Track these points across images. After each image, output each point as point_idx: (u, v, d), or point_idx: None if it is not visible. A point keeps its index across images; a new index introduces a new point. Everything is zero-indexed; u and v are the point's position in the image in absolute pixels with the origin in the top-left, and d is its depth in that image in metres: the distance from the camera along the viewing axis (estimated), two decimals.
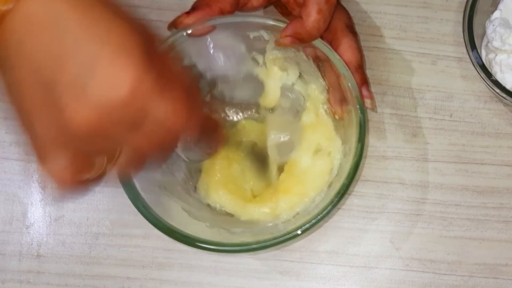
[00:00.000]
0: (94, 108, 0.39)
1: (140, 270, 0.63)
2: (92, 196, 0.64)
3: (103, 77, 0.39)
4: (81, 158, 0.43)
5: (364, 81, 0.58)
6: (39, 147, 0.42)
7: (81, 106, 0.39)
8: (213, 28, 0.57)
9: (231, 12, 0.58)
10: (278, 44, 0.58)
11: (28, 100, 0.40)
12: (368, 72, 0.64)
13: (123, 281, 0.63)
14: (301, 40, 0.57)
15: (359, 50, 0.59)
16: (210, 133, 0.52)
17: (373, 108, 0.59)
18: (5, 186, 0.64)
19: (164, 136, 0.43)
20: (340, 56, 0.58)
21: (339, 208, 0.63)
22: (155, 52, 0.42)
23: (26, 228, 0.64)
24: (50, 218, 0.64)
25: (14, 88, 0.40)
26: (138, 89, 0.39)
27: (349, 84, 0.57)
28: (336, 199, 0.55)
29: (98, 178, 0.45)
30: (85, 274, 0.63)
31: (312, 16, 0.56)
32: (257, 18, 0.58)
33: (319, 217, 0.55)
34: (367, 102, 0.58)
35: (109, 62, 0.39)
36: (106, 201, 0.64)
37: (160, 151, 0.45)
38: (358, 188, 0.64)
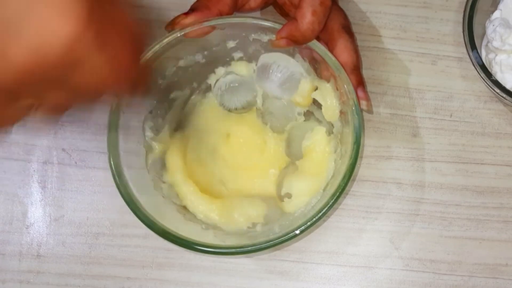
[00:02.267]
0: (29, 51, 0.37)
1: (140, 270, 0.63)
2: (92, 196, 0.64)
3: (43, 21, 0.37)
4: (5, 101, 0.41)
5: (360, 83, 0.58)
6: None
7: (16, 49, 0.37)
8: (211, 29, 0.57)
9: (229, 13, 0.58)
10: (274, 45, 0.58)
11: None
12: (368, 72, 0.65)
13: (123, 281, 0.63)
14: (296, 42, 0.57)
15: (355, 51, 0.59)
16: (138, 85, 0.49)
17: (369, 110, 0.59)
18: (5, 186, 0.64)
19: (92, 88, 0.41)
20: (336, 57, 0.58)
21: (339, 208, 0.63)
22: None
23: (26, 228, 0.64)
24: (50, 218, 0.64)
25: None
26: (77, 40, 0.38)
27: (345, 86, 0.57)
28: (332, 200, 0.55)
29: (15, 119, 0.43)
30: (85, 274, 0.63)
31: (307, 18, 0.56)
32: (255, 20, 0.58)
33: (314, 219, 0.55)
34: (363, 104, 0.58)
35: (50, 5, 0.37)
36: (106, 201, 0.64)
37: (85, 100, 0.44)
38: (358, 188, 0.64)
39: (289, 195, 0.60)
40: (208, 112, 0.63)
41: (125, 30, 0.42)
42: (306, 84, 0.60)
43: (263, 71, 0.61)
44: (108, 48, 0.40)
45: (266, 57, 0.61)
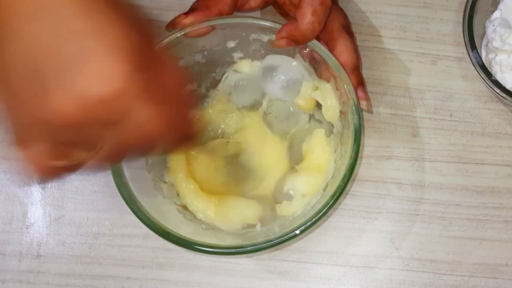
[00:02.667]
0: (78, 100, 0.38)
1: (140, 270, 0.63)
2: (92, 196, 0.64)
3: (93, 71, 0.38)
4: (59, 146, 0.42)
5: (359, 83, 0.58)
6: (20, 132, 0.42)
7: (66, 96, 0.38)
8: (211, 29, 0.57)
9: (229, 13, 0.58)
10: (274, 45, 0.58)
11: (15, 84, 0.39)
12: (368, 72, 0.65)
13: (123, 281, 0.63)
14: (296, 42, 0.57)
15: (355, 51, 0.59)
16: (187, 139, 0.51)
17: (369, 110, 0.59)
18: (5, 186, 0.64)
19: (142, 138, 0.43)
20: (336, 57, 0.58)
21: (339, 209, 0.63)
22: (151, 53, 0.42)
23: (26, 228, 0.64)
24: (50, 218, 0.64)
25: (3, 72, 0.40)
26: (125, 89, 0.39)
27: (345, 86, 0.57)
28: (332, 200, 0.55)
29: (74, 168, 0.45)
30: (85, 274, 0.63)
31: (307, 18, 0.56)
32: (254, 20, 0.58)
33: (314, 219, 0.55)
34: (363, 104, 0.58)
35: (101, 56, 0.38)
36: (106, 201, 0.64)
37: (137, 150, 0.45)
38: (358, 188, 0.64)
39: (288, 197, 0.60)
40: (212, 109, 0.63)
41: (171, 88, 0.43)
42: (308, 87, 0.60)
43: (267, 72, 0.61)
44: (154, 98, 0.41)
45: (271, 59, 0.61)
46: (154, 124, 0.42)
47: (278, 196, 0.61)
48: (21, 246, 0.63)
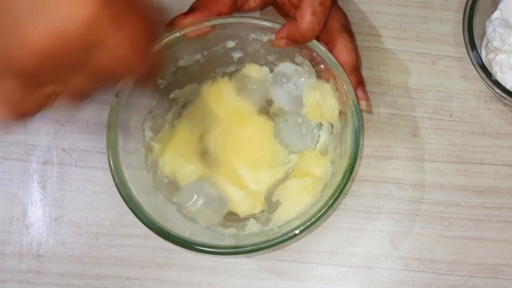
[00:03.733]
0: (48, 33, 0.38)
1: (140, 270, 0.63)
2: (92, 196, 0.64)
3: (61, 4, 0.38)
4: (29, 85, 0.41)
5: (359, 83, 0.58)
6: None
7: (35, 31, 0.38)
8: (210, 29, 0.57)
9: (229, 13, 0.58)
10: (273, 46, 0.58)
11: None
12: (368, 72, 0.65)
13: (123, 281, 0.63)
14: (296, 42, 0.57)
15: (355, 51, 0.59)
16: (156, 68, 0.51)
17: (368, 110, 0.59)
18: (5, 186, 0.64)
19: (112, 70, 0.42)
20: (336, 57, 0.58)
21: (339, 209, 0.63)
22: None
23: (26, 228, 0.64)
24: (50, 218, 0.64)
25: None
26: (95, 21, 0.38)
27: (344, 86, 0.57)
28: (331, 200, 0.55)
29: (44, 104, 0.44)
30: (85, 274, 0.63)
31: (306, 18, 0.56)
32: (254, 20, 0.58)
33: (314, 218, 0.55)
34: (362, 104, 0.58)
35: None
36: (106, 201, 0.64)
37: (105, 83, 0.45)
38: (358, 188, 0.64)
39: (278, 203, 0.60)
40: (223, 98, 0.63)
41: (140, 13, 0.43)
42: (311, 95, 0.60)
43: (277, 80, 0.61)
44: (125, 29, 0.41)
45: (283, 67, 0.61)
46: (126, 52, 0.41)
47: (269, 203, 0.61)
48: (21, 246, 0.63)
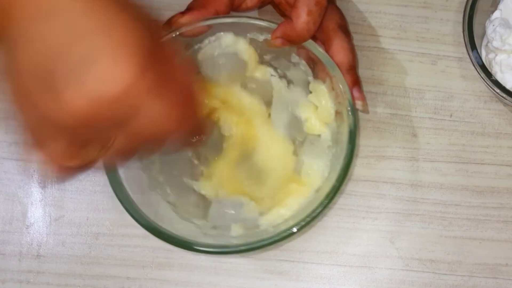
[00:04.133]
0: (88, 99, 0.39)
1: (140, 270, 0.63)
2: (92, 196, 0.64)
3: (101, 70, 0.39)
4: (73, 145, 0.43)
5: (355, 82, 0.58)
6: (34, 133, 0.43)
7: (76, 96, 0.39)
8: (207, 28, 0.58)
9: (226, 13, 0.58)
10: (269, 45, 0.58)
11: (27, 85, 0.40)
12: (368, 72, 0.65)
13: (123, 281, 0.63)
14: (291, 42, 0.57)
15: (352, 50, 0.59)
16: (198, 134, 0.52)
17: (364, 110, 0.59)
18: (5, 186, 0.64)
19: (153, 135, 0.43)
20: (332, 56, 0.58)
21: (339, 208, 0.63)
22: (159, 49, 0.42)
23: (26, 228, 0.64)
24: (50, 218, 0.64)
25: (14, 73, 0.40)
26: (134, 87, 0.39)
27: (340, 86, 0.57)
28: (326, 200, 0.55)
29: (88, 165, 0.45)
30: (85, 274, 0.63)
31: (302, 18, 0.56)
32: (251, 19, 0.58)
33: (309, 218, 0.55)
34: (358, 104, 0.58)
35: (109, 55, 0.39)
36: (106, 201, 0.64)
37: (148, 147, 0.46)
38: (358, 188, 0.64)
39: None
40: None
41: (180, 81, 0.44)
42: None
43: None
44: (163, 96, 0.42)
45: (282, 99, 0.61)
46: (165, 119, 0.43)
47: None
48: (21, 246, 0.63)
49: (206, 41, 0.59)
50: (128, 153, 0.47)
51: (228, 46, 0.60)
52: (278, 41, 0.57)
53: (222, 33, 0.59)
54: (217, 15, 0.58)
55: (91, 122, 0.40)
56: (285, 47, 0.58)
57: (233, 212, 0.60)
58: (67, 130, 0.41)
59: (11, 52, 0.40)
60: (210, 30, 0.58)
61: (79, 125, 0.40)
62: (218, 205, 0.60)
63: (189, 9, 0.58)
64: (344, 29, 0.60)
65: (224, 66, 0.61)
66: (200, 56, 0.61)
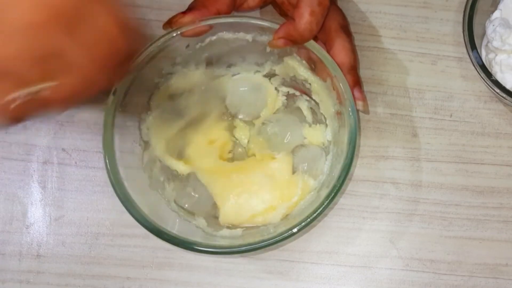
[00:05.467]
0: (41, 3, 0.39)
1: (140, 270, 0.63)
2: (92, 196, 0.64)
3: None
4: (21, 80, 0.41)
5: (356, 83, 0.58)
6: None
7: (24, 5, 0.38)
8: (208, 28, 0.57)
9: (228, 13, 0.58)
10: (271, 46, 0.58)
11: None
12: (368, 72, 0.65)
13: (123, 281, 0.63)
14: (294, 42, 0.57)
15: (353, 51, 0.59)
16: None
17: (365, 110, 0.59)
18: (5, 186, 0.64)
19: (106, 51, 0.42)
20: (334, 57, 0.58)
21: (339, 208, 0.63)
22: None
23: (26, 228, 0.64)
24: (50, 218, 0.64)
25: None
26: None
27: (341, 86, 0.57)
28: (327, 201, 0.55)
29: (40, 105, 0.43)
30: (85, 274, 0.63)
31: (305, 18, 0.56)
32: (252, 19, 0.58)
33: (309, 218, 0.55)
34: (359, 104, 0.58)
35: None
36: (106, 201, 0.64)
37: (104, 73, 0.44)
38: (358, 188, 0.64)
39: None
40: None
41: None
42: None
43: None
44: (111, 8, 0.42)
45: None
46: (115, 30, 0.42)
47: None
48: (21, 246, 0.63)
49: (207, 40, 0.60)
50: (83, 82, 0.43)
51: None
52: (280, 42, 0.57)
53: (223, 32, 0.59)
54: (218, 15, 0.58)
55: (42, 27, 0.39)
56: (286, 47, 0.58)
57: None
58: (17, 39, 0.39)
59: None
60: (212, 30, 0.58)
61: (29, 31, 0.39)
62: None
63: (190, 9, 0.58)
64: (346, 30, 0.60)
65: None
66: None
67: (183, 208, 0.60)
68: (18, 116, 0.43)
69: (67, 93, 0.43)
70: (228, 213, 0.60)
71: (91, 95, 0.45)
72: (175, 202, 0.60)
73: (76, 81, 0.43)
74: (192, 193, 0.61)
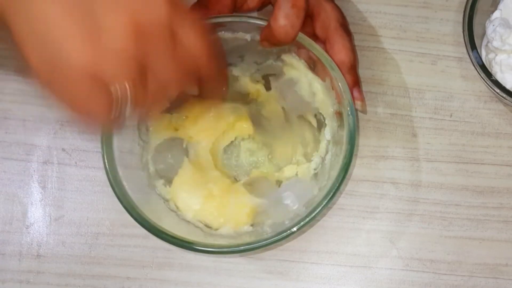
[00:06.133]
0: (132, 19, 0.41)
1: (140, 270, 0.63)
2: (92, 196, 0.64)
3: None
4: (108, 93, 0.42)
5: (355, 82, 0.58)
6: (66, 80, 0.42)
7: (121, 17, 0.41)
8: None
9: (228, 14, 0.58)
10: (261, 45, 0.58)
11: (61, 23, 0.40)
12: (368, 72, 0.65)
13: (123, 281, 0.63)
14: (275, 44, 0.57)
15: (353, 50, 0.59)
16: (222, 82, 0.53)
17: (363, 110, 0.59)
18: (5, 186, 0.64)
19: (191, 64, 0.45)
20: (333, 56, 0.58)
21: (339, 208, 0.63)
22: None
23: (26, 228, 0.64)
24: (50, 218, 0.64)
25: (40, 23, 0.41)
26: (173, 12, 0.42)
27: (340, 86, 0.57)
28: (325, 201, 0.55)
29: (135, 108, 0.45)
30: (85, 274, 0.63)
31: (278, 22, 0.55)
32: (251, 19, 0.58)
33: (308, 218, 0.55)
34: (358, 104, 0.58)
35: None
36: (106, 201, 0.64)
37: (186, 83, 0.47)
38: (358, 188, 0.64)
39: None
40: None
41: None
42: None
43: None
44: (197, 25, 0.45)
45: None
46: (202, 45, 0.45)
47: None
48: (21, 246, 0.64)
49: None
50: (166, 90, 0.46)
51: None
52: (265, 43, 0.57)
53: (222, 32, 0.59)
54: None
55: (135, 45, 0.41)
56: (273, 48, 0.58)
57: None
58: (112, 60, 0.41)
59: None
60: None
61: (123, 49, 0.41)
62: None
63: (192, 9, 0.58)
64: (345, 28, 0.60)
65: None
66: None
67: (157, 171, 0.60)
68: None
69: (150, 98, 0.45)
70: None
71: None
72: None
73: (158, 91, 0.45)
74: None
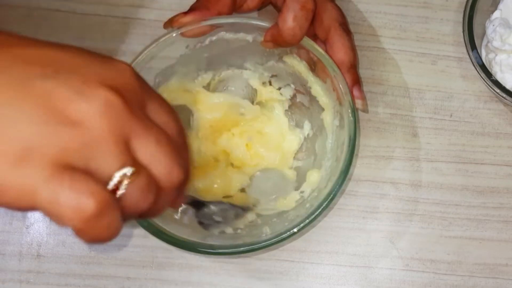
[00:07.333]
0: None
1: (140, 270, 0.63)
2: None
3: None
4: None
5: (355, 82, 0.58)
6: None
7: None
8: (208, 29, 0.57)
9: (228, 14, 0.58)
10: (263, 46, 0.58)
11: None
12: (368, 72, 0.65)
13: (123, 281, 0.63)
14: (280, 45, 0.57)
15: (353, 49, 0.59)
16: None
17: (364, 109, 0.59)
18: None
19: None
20: (333, 55, 0.58)
21: (339, 208, 0.63)
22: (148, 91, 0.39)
23: (26, 228, 0.64)
24: None
25: None
26: (141, 86, 0.38)
27: (340, 85, 0.56)
28: (326, 201, 0.55)
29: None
30: (85, 274, 0.63)
31: (287, 23, 0.55)
32: (253, 20, 0.58)
33: (309, 219, 0.55)
34: (358, 103, 0.58)
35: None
36: None
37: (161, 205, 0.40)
38: (358, 188, 0.64)
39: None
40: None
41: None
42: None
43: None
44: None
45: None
46: (174, 170, 0.38)
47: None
48: (21, 246, 0.63)
49: (207, 40, 0.60)
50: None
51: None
52: (269, 44, 0.57)
53: (224, 33, 0.59)
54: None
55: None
56: (276, 48, 0.58)
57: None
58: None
59: None
60: (212, 30, 0.58)
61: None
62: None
63: (191, 10, 0.58)
64: (345, 27, 0.60)
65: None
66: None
67: None
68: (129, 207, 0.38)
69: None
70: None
71: None
72: None
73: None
74: None
